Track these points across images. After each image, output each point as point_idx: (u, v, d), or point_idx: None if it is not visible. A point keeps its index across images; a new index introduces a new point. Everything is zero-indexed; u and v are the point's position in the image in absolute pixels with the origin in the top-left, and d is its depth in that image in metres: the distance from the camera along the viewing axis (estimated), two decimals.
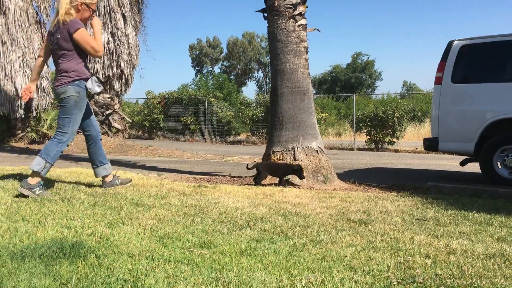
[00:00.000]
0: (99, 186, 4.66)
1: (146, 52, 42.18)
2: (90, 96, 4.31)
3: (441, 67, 6.31)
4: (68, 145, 4.33)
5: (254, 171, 5.47)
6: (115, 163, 8.34)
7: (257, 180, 5.24)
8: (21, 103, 12.34)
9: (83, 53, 4.23)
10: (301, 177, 5.16)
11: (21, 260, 2.25)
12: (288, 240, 2.76)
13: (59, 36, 4.12)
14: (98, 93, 4.16)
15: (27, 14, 12.37)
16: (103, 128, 14.21)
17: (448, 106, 6.23)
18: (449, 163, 9.23)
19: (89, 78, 4.25)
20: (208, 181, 5.68)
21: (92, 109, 4.61)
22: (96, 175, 4.66)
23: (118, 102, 14.76)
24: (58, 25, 4.14)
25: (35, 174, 4.04)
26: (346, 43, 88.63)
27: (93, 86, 4.25)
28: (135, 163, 8.47)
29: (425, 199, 4.38)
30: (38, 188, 3.99)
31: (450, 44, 6.31)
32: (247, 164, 5.53)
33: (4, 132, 13.42)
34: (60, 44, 4.14)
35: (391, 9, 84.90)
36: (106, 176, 4.65)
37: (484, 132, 5.87)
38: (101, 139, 4.71)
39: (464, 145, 6.07)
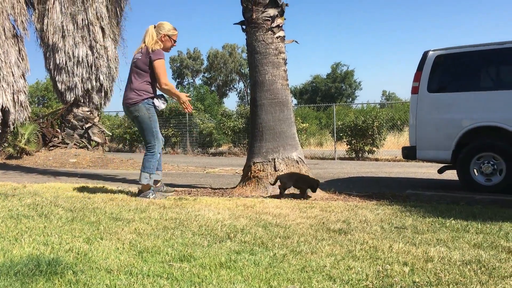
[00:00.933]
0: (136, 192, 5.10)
1: (125, 65, 41.82)
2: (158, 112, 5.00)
3: (417, 77, 6.43)
4: (160, 153, 5.06)
5: (232, 183, 5.45)
6: (94, 177, 8.25)
7: (282, 191, 5.10)
8: None
9: (154, 77, 4.86)
10: (314, 190, 5.24)
11: None
12: (268, 251, 2.76)
13: (140, 57, 4.82)
14: (163, 109, 5.00)
15: (4, 28, 12.20)
16: (83, 141, 14.05)
17: (425, 115, 6.35)
18: (427, 171, 9.37)
19: (155, 97, 4.90)
20: (189, 194, 5.65)
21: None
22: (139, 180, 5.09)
23: (98, 115, 14.61)
24: (142, 50, 4.85)
25: (146, 186, 4.86)
26: (325, 54, 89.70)
27: (159, 103, 4.90)
28: (115, 177, 8.38)
29: (404, 207, 4.44)
30: (151, 193, 4.87)
31: (425, 54, 6.44)
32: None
33: None
34: (138, 65, 4.82)
35: (369, 20, 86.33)
36: (158, 181, 5.18)
37: (461, 139, 5.99)
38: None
39: (441, 153, 6.18)
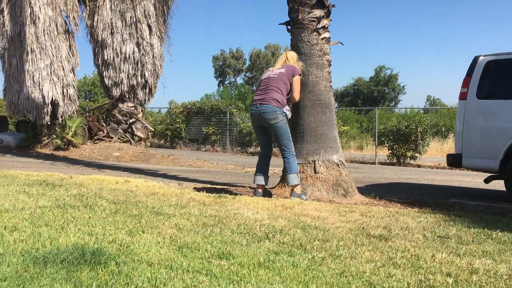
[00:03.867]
0: (253, 192, 5.44)
1: (170, 62, 42.68)
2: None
3: (466, 83, 6.23)
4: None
5: (271, 183, 5.46)
6: (137, 171, 8.45)
7: None
8: (47, 110, 12.63)
9: (288, 93, 5.32)
10: None
11: (43, 265, 2.29)
12: (307, 253, 2.74)
13: (284, 71, 5.28)
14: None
15: (56, 24, 12.70)
16: (126, 136, 14.42)
17: (473, 122, 6.14)
18: (472, 179, 9.06)
19: (286, 106, 5.29)
20: (228, 192, 5.69)
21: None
22: (254, 181, 5.47)
23: (142, 111, 14.97)
24: (286, 65, 5.36)
25: (295, 186, 5.15)
26: (369, 56, 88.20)
27: (289, 112, 5.31)
28: (157, 172, 8.55)
29: (447, 216, 4.31)
30: (304, 195, 5.15)
31: (475, 60, 6.23)
32: None
33: (30, 138, 13.75)
34: (281, 77, 5.25)
35: (415, 23, 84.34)
36: (262, 186, 5.42)
37: (510, 149, 5.75)
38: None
39: (488, 162, 5.96)
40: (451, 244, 3.17)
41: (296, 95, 5.32)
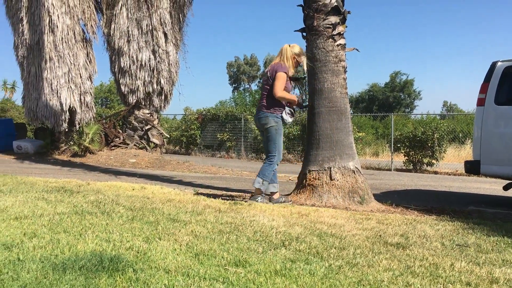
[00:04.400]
0: (269, 199, 5.34)
1: (185, 69, 42.83)
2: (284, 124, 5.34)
3: (484, 88, 6.16)
4: (277, 164, 5.32)
5: (286, 189, 5.44)
6: (153, 177, 8.50)
7: None
8: (65, 117, 12.80)
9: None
10: None
11: (62, 272, 2.32)
12: (324, 261, 2.73)
13: (269, 73, 5.24)
14: (291, 122, 5.44)
15: (74, 32, 12.90)
16: (142, 143, 14.54)
17: (491, 128, 6.06)
18: (491, 186, 8.93)
19: (283, 110, 5.23)
20: (243, 199, 5.69)
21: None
22: (266, 190, 5.36)
23: (157, 117, 15.10)
24: (271, 65, 5.31)
25: (257, 190, 5.22)
26: (384, 62, 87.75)
27: (286, 117, 5.23)
28: (172, 178, 8.60)
29: (466, 224, 4.25)
30: (260, 197, 5.20)
31: (493, 65, 6.16)
32: None
33: (48, 145, 13.95)
34: (266, 80, 5.29)
35: (431, 28, 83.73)
36: (274, 193, 5.38)
37: None
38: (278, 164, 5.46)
39: (507, 169, 5.86)
40: (470, 253, 3.13)
41: (275, 91, 5.13)
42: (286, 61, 5.26)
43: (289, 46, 5.36)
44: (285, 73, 5.18)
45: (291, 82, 5.39)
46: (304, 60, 5.40)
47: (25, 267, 2.38)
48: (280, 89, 5.13)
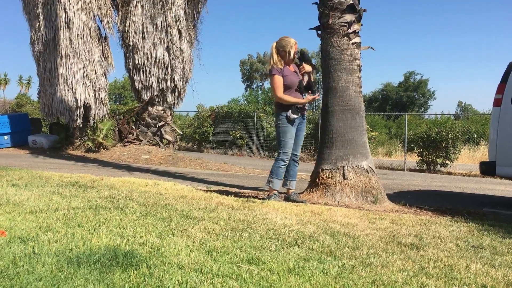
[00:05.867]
0: (284, 196, 5.43)
1: (199, 66, 43.08)
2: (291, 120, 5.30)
3: (500, 89, 6.07)
4: (285, 162, 5.29)
5: (299, 188, 5.43)
6: (165, 174, 8.54)
7: None
8: (79, 113, 12.92)
9: (287, 88, 5.20)
10: None
11: (77, 266, 2.34)
12: (337, 260, 2.72)
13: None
14: (295, 119, 5.29)
15: (90, 28, 13.00)
16: (155, 139, 14.62)
17: (508, 129, 5.97)
18: (506, 188, 8.81)
19: (290, 108, 5.20)
20: (256, 196, 5.69)
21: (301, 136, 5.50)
22: (283, 185, 5.46)
23: (170, 114, 15.15)
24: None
25: (269, 188, 5.34)
26: (398, 62, 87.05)
27: (290, 114, 5.20)
28: (185, 175, 8.63)
29: (481, 226, 4.20)
30: (273, 197, 5.23)
31: (510, 66, 6.07)
32: None
33: (62, 140, 14.09)
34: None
35: (446, 28, 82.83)
36: (290, 189, 5.47)
37: None
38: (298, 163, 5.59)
39: None
40: (485, 255, 3.09)
41: (274, 96, 5.29)
42: (273, 60, 5.24)
43: (274, 42, 5.32)
44: (277, 73, 5.18)
45: (298, 67, 5.43)
46: (291, 51, 5.23)
47: (40, 260, 2.40)
48: (278, 92, 5.18)
